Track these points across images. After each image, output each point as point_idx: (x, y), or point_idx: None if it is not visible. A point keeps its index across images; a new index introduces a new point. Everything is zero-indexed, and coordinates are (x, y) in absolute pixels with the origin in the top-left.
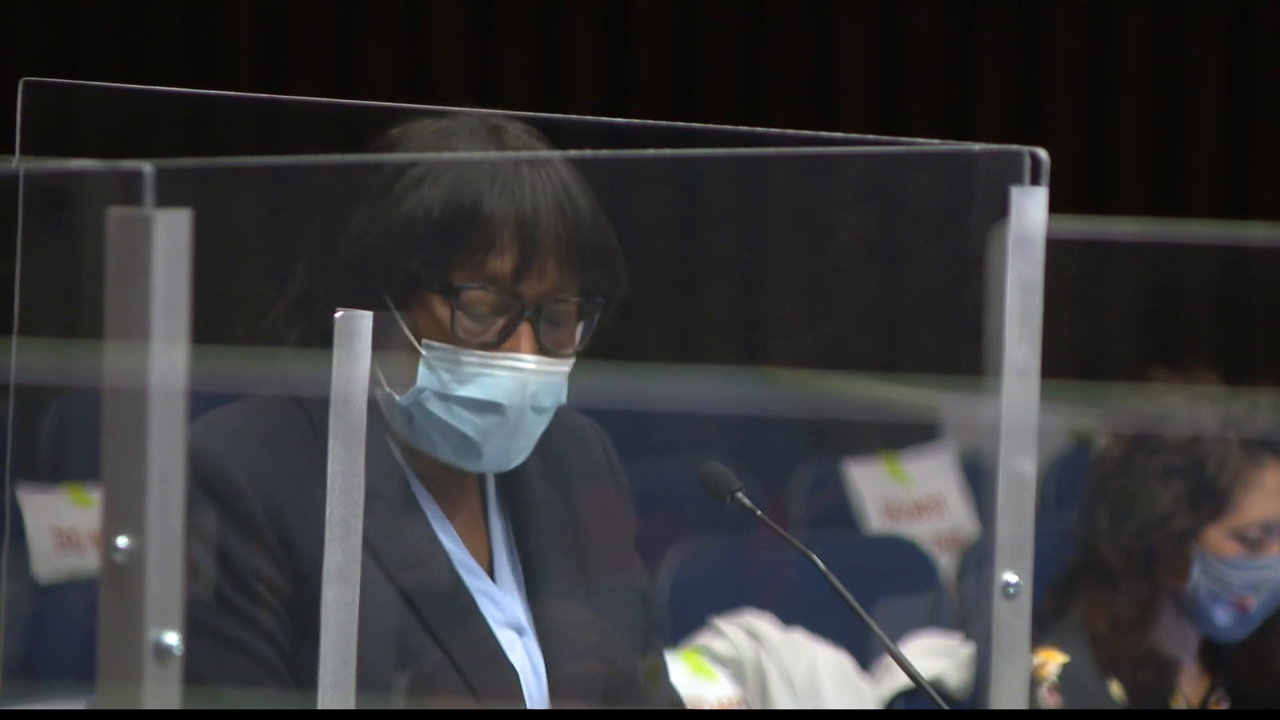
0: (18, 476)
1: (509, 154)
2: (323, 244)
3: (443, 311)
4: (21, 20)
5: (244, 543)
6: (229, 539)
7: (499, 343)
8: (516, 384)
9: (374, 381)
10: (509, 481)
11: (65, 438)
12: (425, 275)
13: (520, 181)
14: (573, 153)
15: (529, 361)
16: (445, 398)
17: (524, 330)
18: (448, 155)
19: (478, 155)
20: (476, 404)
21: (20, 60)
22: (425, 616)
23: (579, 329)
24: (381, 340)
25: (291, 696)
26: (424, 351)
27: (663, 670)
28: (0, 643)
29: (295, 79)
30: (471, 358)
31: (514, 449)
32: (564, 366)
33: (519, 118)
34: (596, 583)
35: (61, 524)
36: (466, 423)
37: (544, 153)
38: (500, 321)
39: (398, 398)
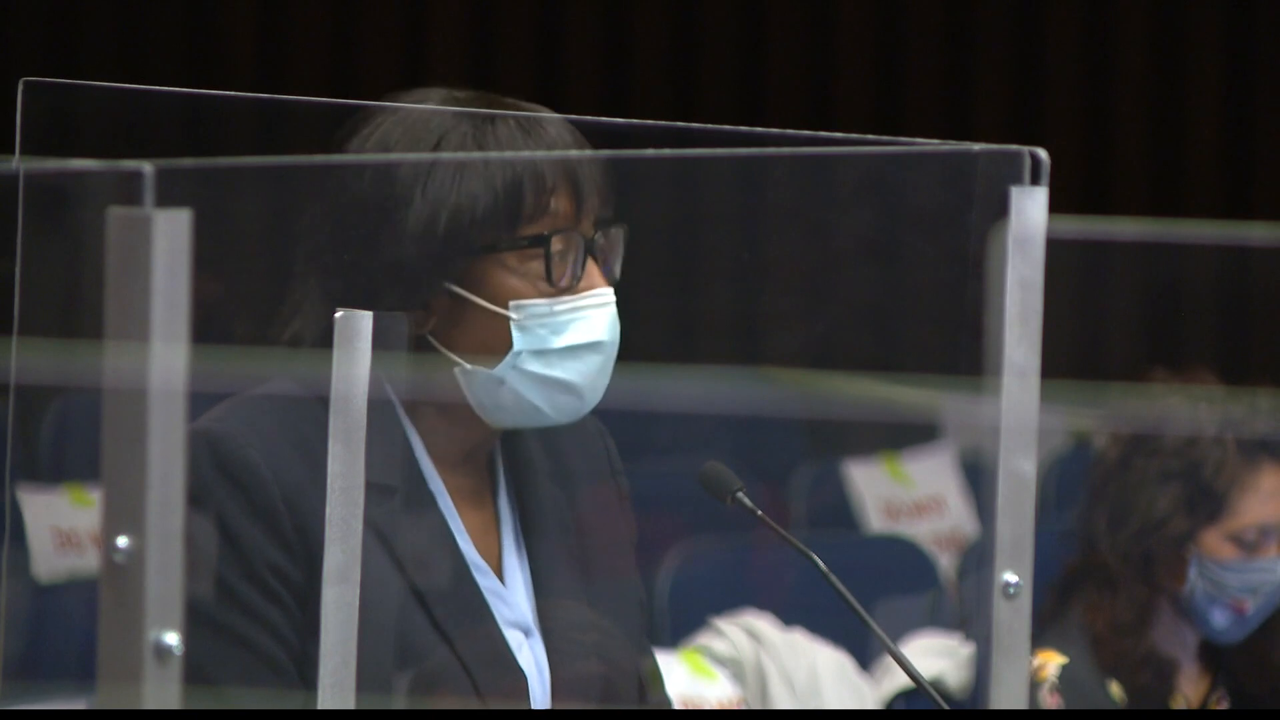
0: (18, 476)
1: (509, 154)
2: (360, 252)
3: (529, 266)
4: (21, 20)
5: (260, 531)
6: (244, 527)
7: (575, 283)
8: (609, 318)
9: (448, 365)
10: (519, 481)
11: (65, 438)
12: (505, 240)
13: (544, 132)
14: (573, 152)
15: (607, 294)
16: (544, 354)
17: (591, 265)
18: (462, 155)
19: (492, 155)
20: (577, 350)
21: (20, 60)
22: (439, 616)
23: (615, 253)
24: (447, 328)
25: (290, 696)
26: (515, 315)
27: (658, 675)
28: (0, 643)
29: (295, 79)
30: (563, 305)
31: (603, 385)
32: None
33: (523, 116)
34: (598, 584)
35: (61, 524)
36: (571, 370)
37: (545, 153)
38: (572, 259)
39: (488, 370)
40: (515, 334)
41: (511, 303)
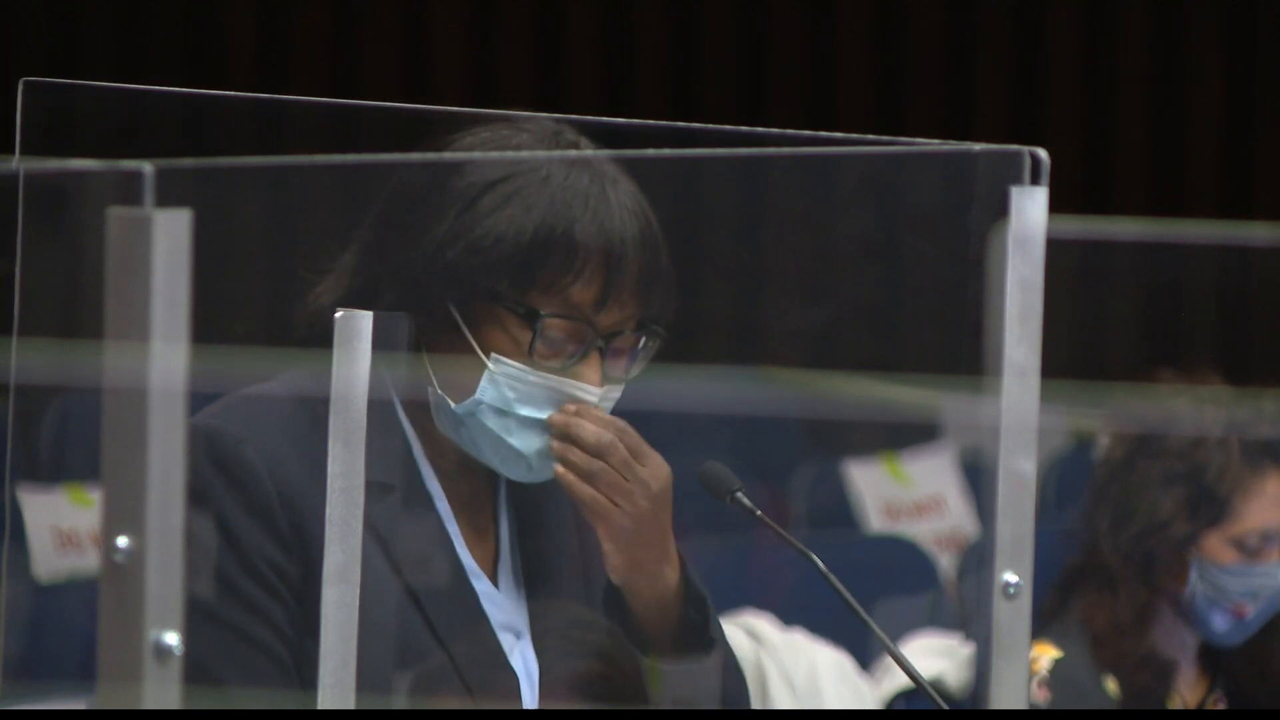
0: (18, 476)
1: (511, 154)
2: (391, 244)
3: (520, 332)
4: (21, 20)
5: (256, 527)
6: (241, 523)
7: (567, 368)
8: None
9: (425, 380)
10: (518, 484)
11: (65, 438)
12: (507, 295)
13: (609, 210)
14: (573, 153)
15: (594, 393)
16: (504, 413)
17: (593, 358)
18: (463, 156)
19: (493, 155)
20: (538, 423)
21: (20, 60)
22: (432, 616)
23: (636, 354)
24: (438, 343)
25: (291, 695)
26: (492, 366)
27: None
28: (0, 643)
29: (295, 79)
30: (537, 377)
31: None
32: (618, 393)
33: (528, 117)
34: (598, 584)
35: (61, 524)
36: (523, 440)
37: (541, 153)
38: (571, 347)
39: (452, 404)
40: (484, 383)
41: (493, 355)
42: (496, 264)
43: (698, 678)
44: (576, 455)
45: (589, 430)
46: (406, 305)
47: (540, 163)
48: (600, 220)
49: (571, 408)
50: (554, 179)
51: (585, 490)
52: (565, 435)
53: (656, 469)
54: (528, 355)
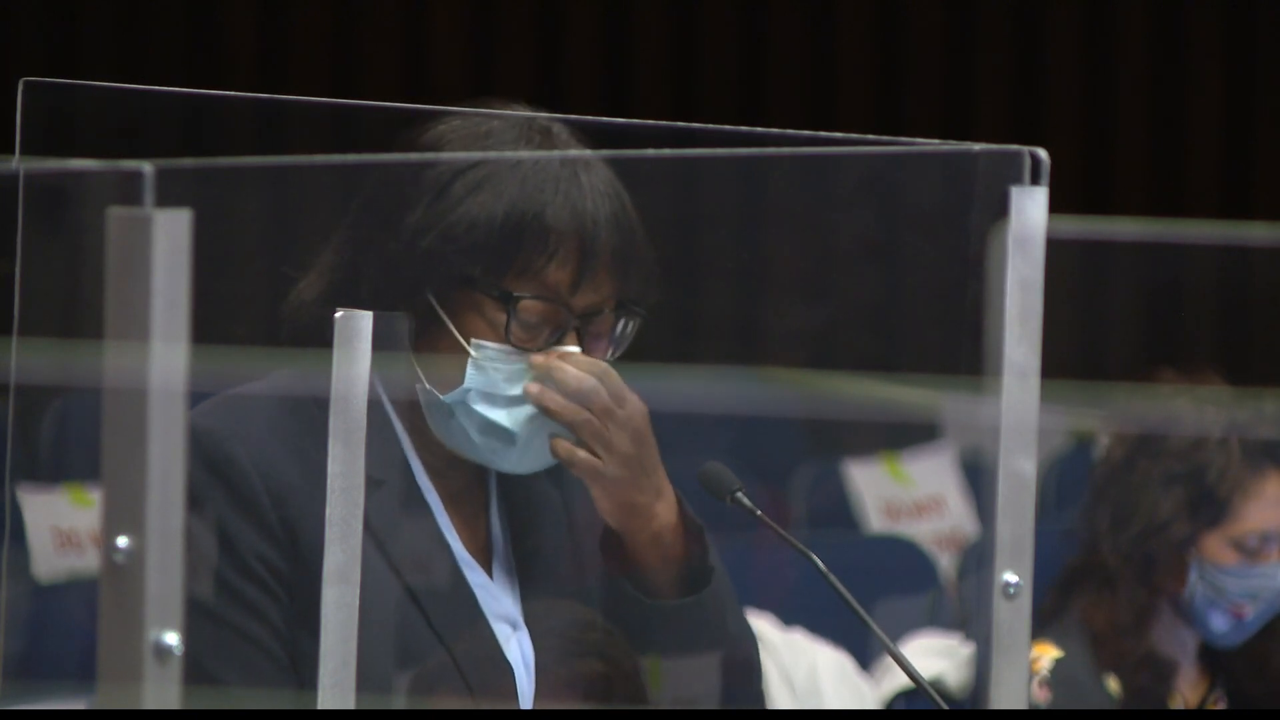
0: (18, 476)
1: (510, 154)
2: (368, 238)
3: (497, 316)
4: (21, 20)
5: (246, 524)
6: (229, 519)
7: (545, 352)
8: None
9: (413, 377)
10: (512, 477)
11: (65, 438)
12: (482, 280)
13: (581, 192)
14: (573, 152)
15: None
16: (492, 397)
17: (570, 340)
18: (462, 156)
19: (492, 155)
20: (525, 399)
21: (20, 60)
22: (427, 609)
23: (615, 336)
24: (421, 338)
25: (291, 695)
26: (474, 352)
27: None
28: (0, 643)
29: (295, 79)
30: (522, 362)
31: (539, 442)
32: None
33: (537, 117)
34: (594, 575)
35: (61, 524)
36: (513, 419)
37: (540, 153)
38: (548, 330)
39: (440, 395)
40: (470, 371)
41: (473, 340)
42: (470, 250)
43: (700, 612)
44: (556, 401)
45: (571, 374)
46: (385, 298)
47: (514, 148)
48: (572, 202)
49: (555, 352)
50: (524, 163)
51: (566, 448)
52: (546, 378)
53: (634, 408)
54: (505, 339)
